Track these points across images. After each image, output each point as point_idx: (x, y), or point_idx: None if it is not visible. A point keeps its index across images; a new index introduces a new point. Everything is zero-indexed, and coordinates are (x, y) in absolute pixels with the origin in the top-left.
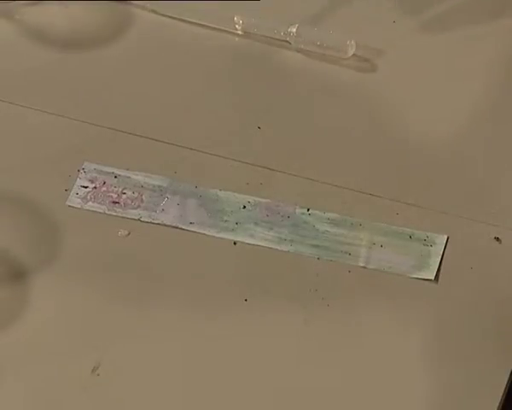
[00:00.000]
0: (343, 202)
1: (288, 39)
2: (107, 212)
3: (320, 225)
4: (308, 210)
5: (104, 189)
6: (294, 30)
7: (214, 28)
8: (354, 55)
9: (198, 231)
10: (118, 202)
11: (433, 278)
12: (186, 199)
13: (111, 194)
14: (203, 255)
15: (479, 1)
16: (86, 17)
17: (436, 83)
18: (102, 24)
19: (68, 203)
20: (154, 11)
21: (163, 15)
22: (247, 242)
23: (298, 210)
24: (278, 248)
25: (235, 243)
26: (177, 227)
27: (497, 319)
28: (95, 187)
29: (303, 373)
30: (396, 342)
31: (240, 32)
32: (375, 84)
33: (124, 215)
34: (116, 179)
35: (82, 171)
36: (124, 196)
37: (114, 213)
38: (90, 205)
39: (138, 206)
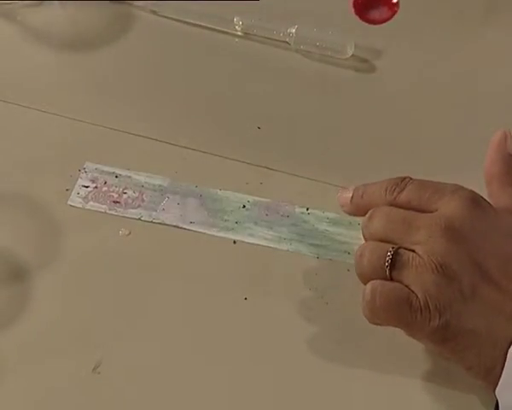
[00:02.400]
0: None
1: (287, 40)
2: (108, 211)
3: (319, 224)
4: (307, 209)
5: (105, 188)
6: (294, 31)
7: (214, 29)
8: (353, 55)
9: (198, 230)
10: (119, 202)
11: None
12: (186, 199)
13: (112, 194)
14: (203, 254)
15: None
16: (87, 18)
17: (435, 83)
18: (103, 25)
19: (69, 203)
20: (154, 12)
21: (163, 16)
22: (246, 241)
23: (297, 209)
24: (278, 247)
25: (234, 242)
26: (177, 226)
27: None
28: (96, 187)
29: (302, 371)
30: (395, 339)
31: (239, 33)
32: (374, 84)
33: (124, 215)
34: (117, 179)
35: (83, 171)
36: (124, 195)
37: (115, 213)
38: (91, 205)
39: (139, 205)
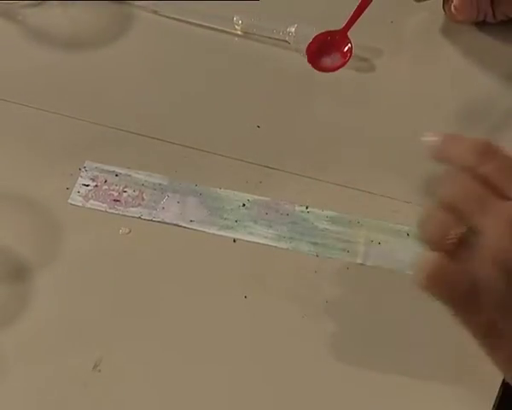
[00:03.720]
0: (341, 199)
1: (286, 39)
2: (108, 210)
3: (319, 222)
4: (307, 208)
5: (105, 187)
6: (293, 30)
7: (214, 28)
8: (353, 55)
9: (198, 228)
10: (119, 201)
11: None
12: (186, 197)
13: (112, 192)
14: (203, 253)
15: None
16: (87, 18)
17: (435, 82)
18: (103, 24)
19: (70, 201)
20: (154, 12)
21: (164, 16)
22: (246, 239)
23: (297, 208)
24: (277, 245)
25: (234, 241)
26: (177, 225)
27: None
28: (96, 185)
29: (302, 370)
30: (393, 338)
31: (239, 33)
32: (374, 83)
33: (125, 213)
34: (117, 178)
35: (83, 169)
36: (125, 194)
37: (115, 212)
38: (92, 203)
39: (139, 204)
